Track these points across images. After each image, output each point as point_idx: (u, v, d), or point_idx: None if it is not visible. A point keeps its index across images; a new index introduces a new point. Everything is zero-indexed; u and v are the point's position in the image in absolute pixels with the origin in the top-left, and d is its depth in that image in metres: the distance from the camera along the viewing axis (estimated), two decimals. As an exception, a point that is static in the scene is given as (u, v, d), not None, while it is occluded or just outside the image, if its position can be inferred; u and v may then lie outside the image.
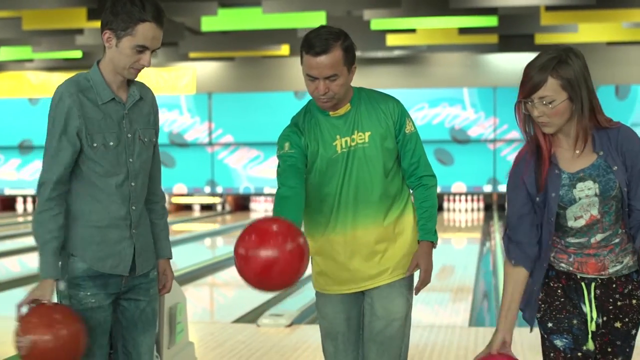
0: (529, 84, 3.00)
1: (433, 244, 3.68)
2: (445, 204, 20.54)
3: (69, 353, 3.19)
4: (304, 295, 8.27)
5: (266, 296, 9.06)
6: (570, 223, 3.09)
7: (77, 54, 18.06)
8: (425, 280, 3.65)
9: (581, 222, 3.08)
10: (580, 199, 3.06)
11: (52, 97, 3.31)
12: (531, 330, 3.31)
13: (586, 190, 3.05)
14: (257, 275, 3.07)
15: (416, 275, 3.71)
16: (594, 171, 3.06)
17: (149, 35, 3.27)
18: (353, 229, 3.61)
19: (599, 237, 3.10)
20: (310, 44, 3.46)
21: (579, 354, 3.12)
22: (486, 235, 15.78)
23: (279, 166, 3.62)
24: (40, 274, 3.24)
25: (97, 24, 13.58)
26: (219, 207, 21.89)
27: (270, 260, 3.04)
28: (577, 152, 3.08)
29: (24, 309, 3.20)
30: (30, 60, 19.62)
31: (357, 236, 3.61)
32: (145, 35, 3.26)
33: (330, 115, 3.60)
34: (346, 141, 3.59)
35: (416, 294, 3.69)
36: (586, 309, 3.13)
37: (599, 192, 3.05)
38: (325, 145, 3.59)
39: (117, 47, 3.28)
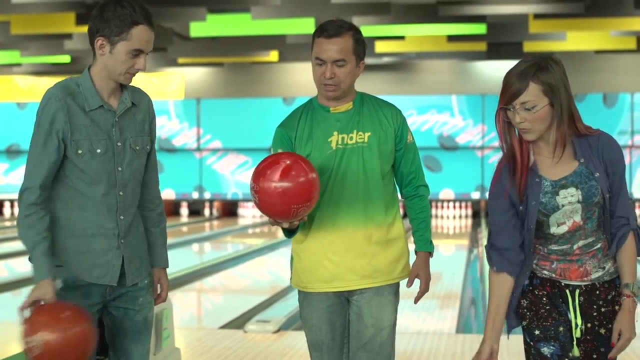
0: (511, 90, 3.02)
1: (430, 254, 3.71)
2: (433, 211, 20.54)
3: (81, 351, 3.09)
4: (292, 302, 8.26)
5: (253, 302, 9.05)
6: (553, 230, 3.11)
7: (66, 58, 18.03)
8: (425, 291, 3.69)
9: (564, 229, 3.11)
10: (563, 205, 3.08)
11: (41, 100, 3.26)
12: (508, 336, 3.33)
13: (569, 197, 3.08)
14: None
15: (414, 284, 3.73)
16: (576, 178, 3.08)
17: (143, 38, 3.22)
18: (343, 226, 3.59)
19: (581, 243, 3.12)
20: (322, 28, 3.56)
21: None
22: (474, 242, 15.80)
23: None
24: (35, 278, 3.16)
25: (86, 28, 13.57)
26: (206, 212, 21.87)
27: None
28: (556, 159, 3.10)
29: (27, 312, 3.11)
30: (19, 65, 19.59)
31: (346, 234, 3.59)
32: (140, 38, 3.22)
33: (331, 111, 3.62)
34: (343, 138, 3.60)
35: (415, 303, 3.70)
36: (571, 315, 3.15)
37: (581, 198, 3.07)
38: (319, 142, 3.60)
39: (112, 54, 3.22)
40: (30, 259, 3.20)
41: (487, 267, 11.26)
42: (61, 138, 3.22)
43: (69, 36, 15.08)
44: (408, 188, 3.72)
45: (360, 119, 3.62)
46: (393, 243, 3.65)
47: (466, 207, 20.78)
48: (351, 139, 3.60)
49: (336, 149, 3.59)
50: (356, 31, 3.59)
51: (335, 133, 3.60)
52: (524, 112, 3.02)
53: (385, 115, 3.65)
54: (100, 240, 3.29)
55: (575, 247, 3.12)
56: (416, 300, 3.68)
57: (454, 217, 20.63)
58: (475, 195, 20.49)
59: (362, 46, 3.60)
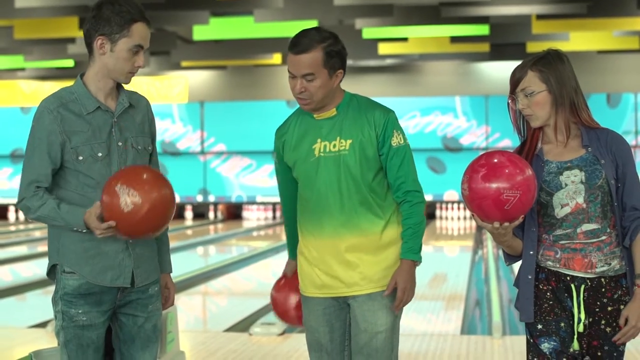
0: (513, 79, 3.24)
1: (415, 263, 3.57)
2: (437, 212, 20.55)
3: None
4: (296, 304, 8.24)
5: (258, 305, 9.05)
6: (557, 211, 3.20)
7: (69, 62, 18.05)
8: (402, 299, 3.53)
9: (567, 210, 3.19)
10: (566, 185, 3.19)
11: (34, 113, 3.29)
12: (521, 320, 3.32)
13: (572, 176, 3.19)
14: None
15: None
16: (581, 162, 3.20)
17: (143, 34, 3.27)
18: (327, 236, 3.56)
19: (584, 227, 3.19)
20: (293, 42, 3.50)
21: (564, 358, 3.19)
22: (478, 243, 15.79)
23: (275, 168, 3.76)
24: (80, 223, 3.19)
25: (89, 32, 13.60)
26: (211, 215, 21.89)
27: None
28: (559, 144, 3.24)
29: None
30: (22, 69, 19.61)
31: (330, 244, 3.56)
32: (141, 34, 3.26)
33: (315, 117, 3.60)
34: (325, 146, 3.56)
35: (395, 311, 3.58)
36: (574, 310, 3.20)
37: (584, 179, 3.18)
38: (304, 150, 3.59)
39: (113, 52, 3.25)
40: (62, 221, 3.22)
41: (491, 268, 11.28)
42: (57, 150, 3.25)
43: (72, 40, 15.10)
44: (397, 193, 3.58)
45: (343, 125, 3.56)
46: (385, 250, 3.57)
47: (471, 208, 20.76)
48: (334, 146, 3.55)
49: (318, 156, 3.56)
50: (331, 42, 3.48)
51: (319, 140, 3.57)
52: (524, 98, 3.22)
53: (369, 119, 3.55)
54: (109, 243, 3.28)
55: (578, 230, 3.18)
56: (395, 308, 3.56)
57: (459, 218, 20.62)
58: (480, 196, 20.47)
59: (336, 57, 3.50)
